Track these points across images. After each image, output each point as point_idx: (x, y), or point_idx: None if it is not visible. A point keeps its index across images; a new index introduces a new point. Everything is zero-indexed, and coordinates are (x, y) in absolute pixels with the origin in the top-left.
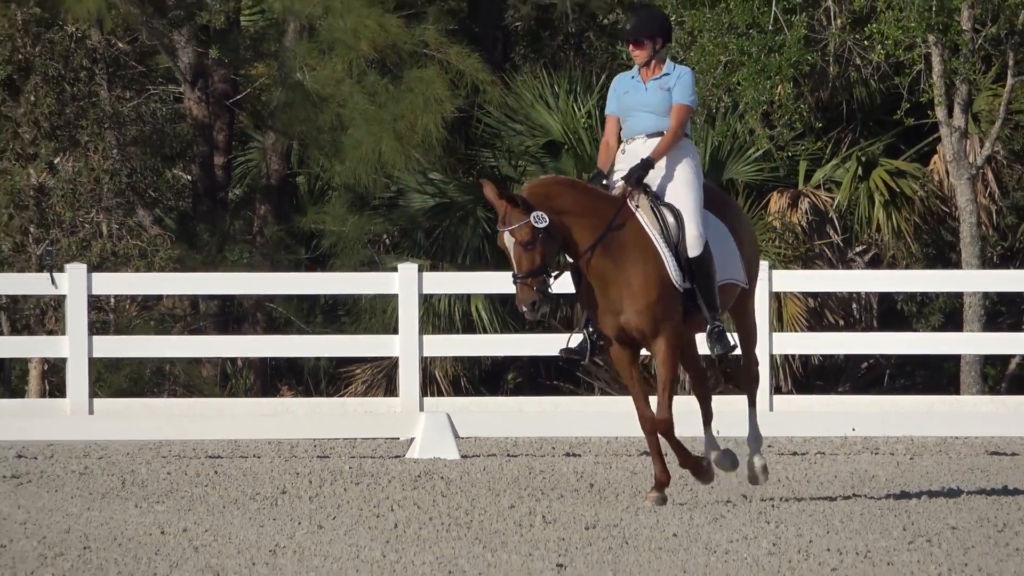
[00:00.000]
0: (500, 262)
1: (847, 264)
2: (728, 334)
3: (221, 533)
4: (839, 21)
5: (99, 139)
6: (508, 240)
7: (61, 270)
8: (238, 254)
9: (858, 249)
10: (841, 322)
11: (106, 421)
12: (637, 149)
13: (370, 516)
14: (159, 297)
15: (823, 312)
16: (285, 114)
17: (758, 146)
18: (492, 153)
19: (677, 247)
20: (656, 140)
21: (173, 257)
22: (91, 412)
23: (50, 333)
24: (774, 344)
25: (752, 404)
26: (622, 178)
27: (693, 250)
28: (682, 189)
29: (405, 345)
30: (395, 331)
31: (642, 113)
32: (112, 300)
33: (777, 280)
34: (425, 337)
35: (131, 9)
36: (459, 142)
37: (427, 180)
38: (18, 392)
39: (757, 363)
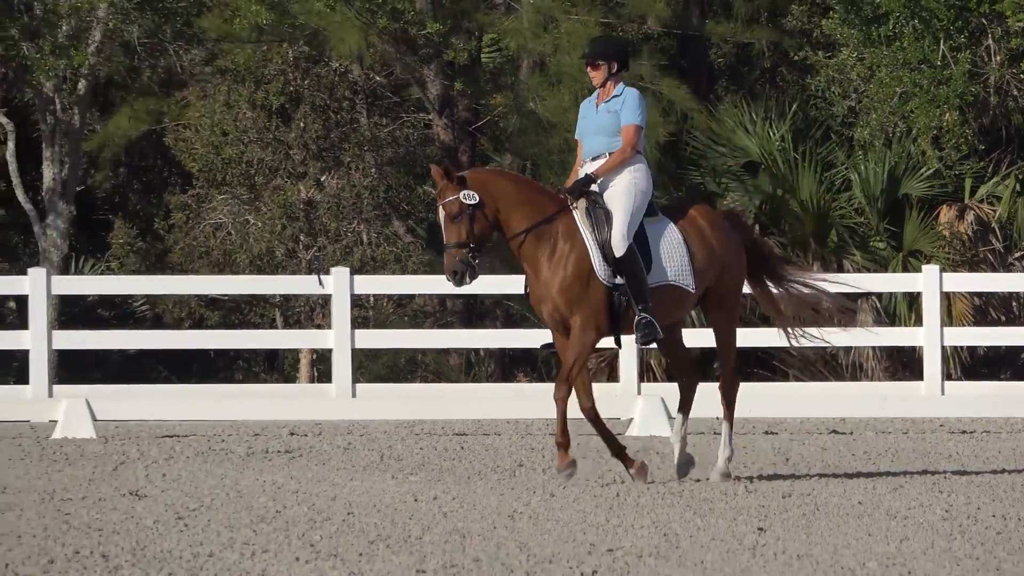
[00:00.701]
0: None
1: (1007, 268)
2: (655, 324)
3: (466, 500)
4: (999, 58)
5: (359, 160)
6: (440, 212)
7: (327, 273)
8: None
9: (1017, 255)
10: (1003, 318)
11: (366, 403)
12: (590, 170)
13: (595, 486)
14: (412, 296)
15: (987, 309)
16: (520, 138)
17: (929, 166)
18: (698, 172)
19: (604, 246)
20: (601, 161)
21: (424, 262)
22: (354, 396)
23: (318, 327)
24: (945, 336)
25: (728, 417)
26: (565, 189)
27: (618, 250)
28: (617, 197)
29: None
30: None
31: (594, 136)
32: (371, 299)
33: (947, 282)
34: None
35: (387, 48)
36: (670, 162)
37: None
38: (290, 378)
39: (733, 384)
